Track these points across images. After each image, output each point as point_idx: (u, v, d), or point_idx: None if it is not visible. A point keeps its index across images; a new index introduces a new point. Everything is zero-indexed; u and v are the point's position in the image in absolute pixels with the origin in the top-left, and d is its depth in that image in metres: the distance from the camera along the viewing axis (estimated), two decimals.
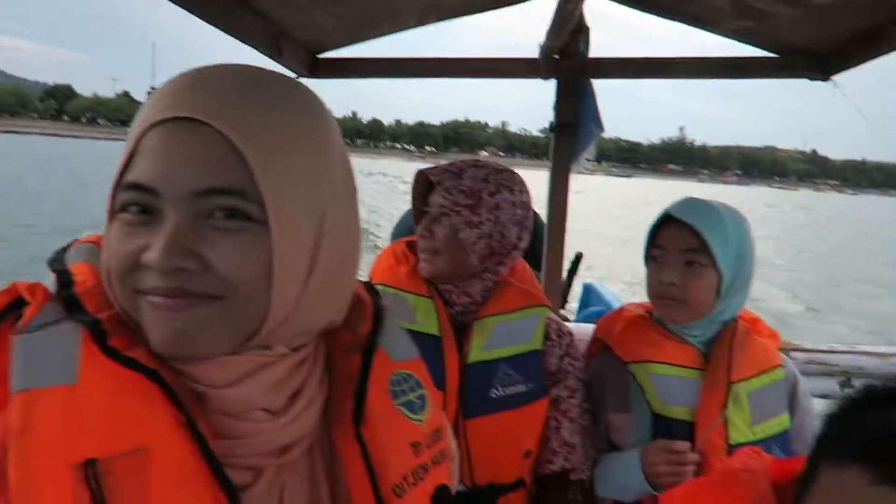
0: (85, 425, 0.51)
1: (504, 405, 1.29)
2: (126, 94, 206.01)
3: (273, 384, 0.61)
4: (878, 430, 0.59)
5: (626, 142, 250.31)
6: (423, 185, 1.39)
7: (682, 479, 1.19)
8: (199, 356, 0.57)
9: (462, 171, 1.32)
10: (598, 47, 1.83)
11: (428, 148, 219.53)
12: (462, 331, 1.34)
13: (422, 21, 1.86)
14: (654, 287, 1.34)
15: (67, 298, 0.57)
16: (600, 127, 1.83)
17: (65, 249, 0.65)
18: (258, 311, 0.57)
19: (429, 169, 1.34)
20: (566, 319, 2.98)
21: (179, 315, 0.54)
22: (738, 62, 1.81)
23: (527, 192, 1.37)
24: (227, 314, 0.56)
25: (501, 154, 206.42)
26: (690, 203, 1.31)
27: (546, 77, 1.80)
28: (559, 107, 1.83)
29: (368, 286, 0.78)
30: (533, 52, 1.83)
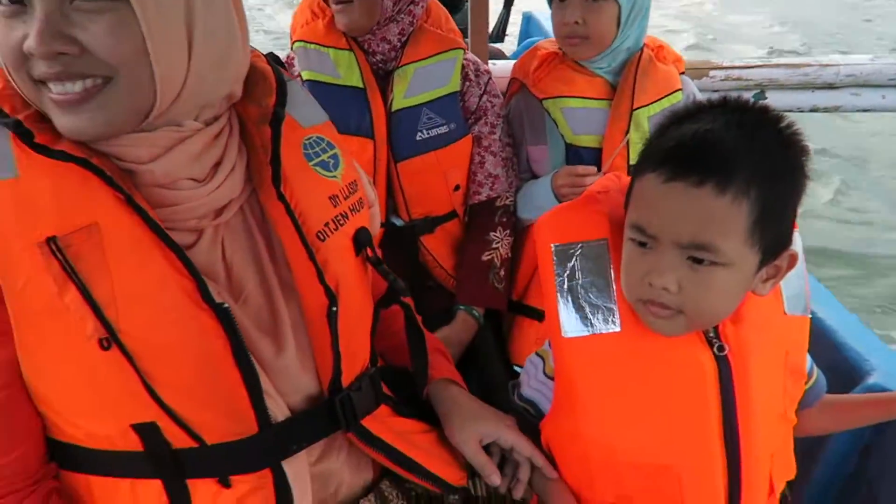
0: (37, 210, 0.61)
1: (430, 146, 1.40)
2: None
3: (193, 155, 0.70)
4: (668, 142, 0.73)
5: None
6: None
7: None
8: (103, 137, 0.65)
9: None
10: None
11: None
12: (385, 80, 1.40)
13: None
14: (558, 27, 1.38)
15: None
16: None
17: None
18: (147, 87, 0.63)
19: None
20: (501, 55, 2.98)
21: (78, 107, 0.61)
22: None
23: None
24: (118, 94, 0.62)
25: None
26: None
27: None
28: None
29: (271, 59, 0.83)
30: None
